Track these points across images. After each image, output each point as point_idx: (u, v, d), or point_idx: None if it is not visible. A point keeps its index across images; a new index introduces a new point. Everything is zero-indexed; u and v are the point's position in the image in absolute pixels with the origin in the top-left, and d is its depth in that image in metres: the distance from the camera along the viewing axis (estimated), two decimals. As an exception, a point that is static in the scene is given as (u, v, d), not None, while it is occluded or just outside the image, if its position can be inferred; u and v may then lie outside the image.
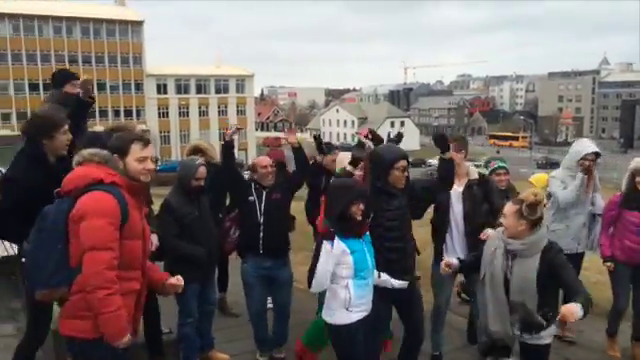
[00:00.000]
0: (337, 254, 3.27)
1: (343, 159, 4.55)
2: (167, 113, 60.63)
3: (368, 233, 3.53)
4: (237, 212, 4.78)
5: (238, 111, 64.18)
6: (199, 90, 62.55)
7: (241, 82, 65.23)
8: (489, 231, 3.95)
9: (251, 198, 4.47)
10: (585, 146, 4.99)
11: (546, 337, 3.39)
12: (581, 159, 4.89)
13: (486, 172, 5.08)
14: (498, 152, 56.89)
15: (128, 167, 2.81)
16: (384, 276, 3.68)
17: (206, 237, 4.29)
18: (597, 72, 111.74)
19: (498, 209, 4.24)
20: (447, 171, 4.14)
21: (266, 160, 4.59)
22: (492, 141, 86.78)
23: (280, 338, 4.82)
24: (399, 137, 4.99)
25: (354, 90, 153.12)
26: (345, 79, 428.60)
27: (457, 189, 4.42)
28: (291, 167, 4.92)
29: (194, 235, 4.21)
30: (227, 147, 4.55)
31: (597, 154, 4.91)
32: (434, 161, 58.35)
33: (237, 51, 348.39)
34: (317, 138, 5.33)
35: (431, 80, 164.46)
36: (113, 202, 2.66)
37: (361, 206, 3.33)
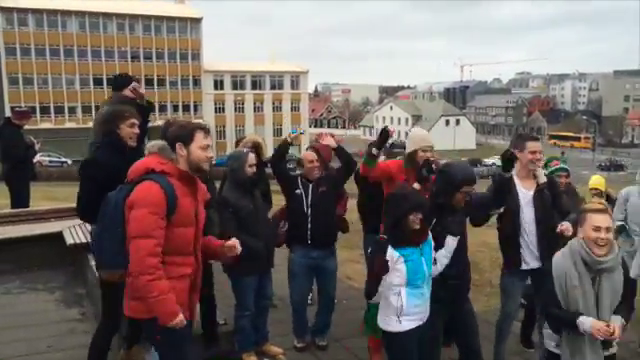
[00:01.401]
0: (391, 262, 3.25)
1: (417, 137, 4.44)
2: (223, 108, 61.86)
3: (431, 240, 3.48)
4: (285, 205, 4.87)
5: (292, 107, 64.76)
6: (254, 86, 63.49)
7: (295, 78, 65.72)
8: (566, 224, 3.84)
9: (298, 191, 4.63)
10: None
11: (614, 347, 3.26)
12: None
13: (546, 171, 4.95)
14: (563, 153, 54.79)
15: (192, 154, 2.89)
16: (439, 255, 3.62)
17: (262, 230, 4.36)
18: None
19: (566, 211, 4.14)
20: (505, 190, 4.08)
21: (312, 155, 4.70)
22: (552, 141, 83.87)
23: (324, 326, 4.97)
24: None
25: (408, 87, 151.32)
26: (399, 76, 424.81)
27: (527, 193, 4.25)
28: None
29: (250, 228, 4.26)
30: (285, 146, 4.67)
31: None
32: (490, 160, 57.05)
33: (292, 47, 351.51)
34: (384, 133, 4.50)
35: (488, 78, 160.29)
36: (159, 191, 2.77)
37: (419, 216, 3.28)
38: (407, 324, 3.33)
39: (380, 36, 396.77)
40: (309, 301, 5.70)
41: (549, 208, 4.21)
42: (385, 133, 4.34)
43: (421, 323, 3.39)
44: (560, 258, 3.16)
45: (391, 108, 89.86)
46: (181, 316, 2.79)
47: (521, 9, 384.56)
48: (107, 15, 56.36)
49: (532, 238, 4.22)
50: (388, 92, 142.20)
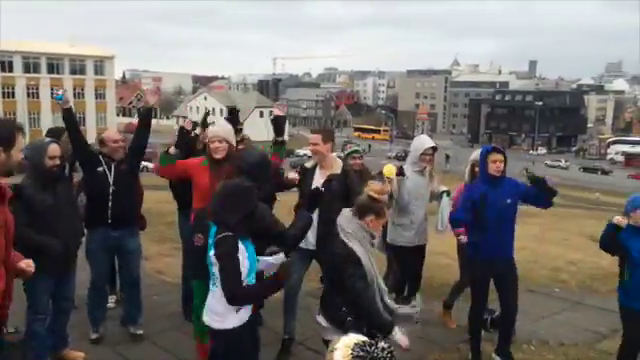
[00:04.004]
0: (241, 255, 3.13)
1: (208, 132, 4.43)
2: (13, 93, 54.94)
3: None
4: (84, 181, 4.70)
5: (97, 94, 60.01)
6: (51, 70, 57.43)
7: (100, 63, 60.96)
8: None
9: (100, 169, 4.48)
10: (423, 142, 5.28)
11: None
12: (421, 154, 5.16)
13: (342, 154, 5.36)
14: (369, 146, 59.39)
15: (12, 158, 2.75)
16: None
17: (62, 228, 4.00)
18: (449, 72, 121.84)
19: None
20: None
21: (117, 135, 4.63)
22: (357, 134, 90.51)
23: (135, 313, 4.86)
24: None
25: (222, 78, 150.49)
26: (213, 66, 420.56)
27: (319, 180, 4.48)
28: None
29: (47, 225, 3.90)
30: (70, 118, 4.38)
31: (435, 148, 5.22)
32: (302, 151, 59.65)
33: (100, 31, 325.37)
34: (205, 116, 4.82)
35: (299, 72, 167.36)
36: None
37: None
38: (244, 315, 3.25)
39: (196, 25, 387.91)
40: (113, 304, 5.42)
41: (336, 199, 4.29)
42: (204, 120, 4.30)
43: (251, 313, 3.33)
44: (355, 244, 3.38)
45: (205, 98, 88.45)
46: None
47: (333, 9, 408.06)
48: None
49: (313, 224, 4.36)
50: (202, 82, 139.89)
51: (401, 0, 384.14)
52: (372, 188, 3.57)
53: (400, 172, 5.02)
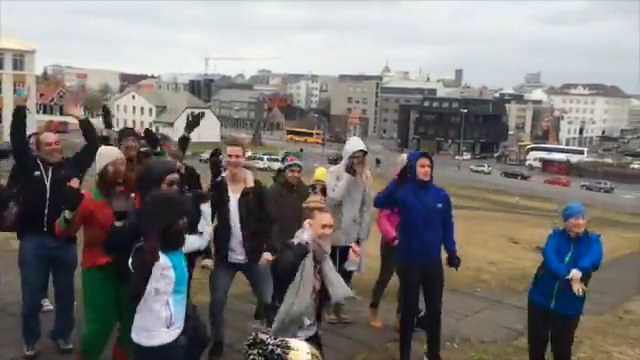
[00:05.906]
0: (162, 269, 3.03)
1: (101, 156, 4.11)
2: None
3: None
4: (18, 187, 4.44)
5: (16, 90, 56.65)
6: (-35, 63, 53.72)
7: (19, 57, 57.62)
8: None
9: (37, 173, 4.23)
10: (353, 145, 5.41)
11: None
12: (350, 157, 5.30)
13: (282, 166, 5.38)
14: (301, 150, 59.26)
15: None
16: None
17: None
18: (380, 78, 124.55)
19: (271, 216, 4.57)
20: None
21: (52, 137, 4.38)
22: (290, 137, 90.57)
23: (65, 328, 4.55)
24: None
25: (152, 77, 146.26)
26: (143, 64, 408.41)
27: (235, 196, 4.51)
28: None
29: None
30: (22, 112, 4.25)
31: (364, 152, 5.35)
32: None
33: (21, 24, 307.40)
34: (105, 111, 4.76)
35: (232, 73, 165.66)
36: None
37: (185, 220, 3.15)
38: (175, 332, 3.15)
39: (131, 23, 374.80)
40: (49, 306, 5.09)
41: (254, 211, 4.47)
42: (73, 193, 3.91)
43: (181, 330, 3.21)
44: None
45: (133, 97, 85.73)
46: None
47: (270, 10, 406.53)
48: None
49: (238, 237, 4.51)
50: (130, 80, 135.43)
51: (335, 5, 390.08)
52: (309, 201, 3.73)
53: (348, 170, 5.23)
